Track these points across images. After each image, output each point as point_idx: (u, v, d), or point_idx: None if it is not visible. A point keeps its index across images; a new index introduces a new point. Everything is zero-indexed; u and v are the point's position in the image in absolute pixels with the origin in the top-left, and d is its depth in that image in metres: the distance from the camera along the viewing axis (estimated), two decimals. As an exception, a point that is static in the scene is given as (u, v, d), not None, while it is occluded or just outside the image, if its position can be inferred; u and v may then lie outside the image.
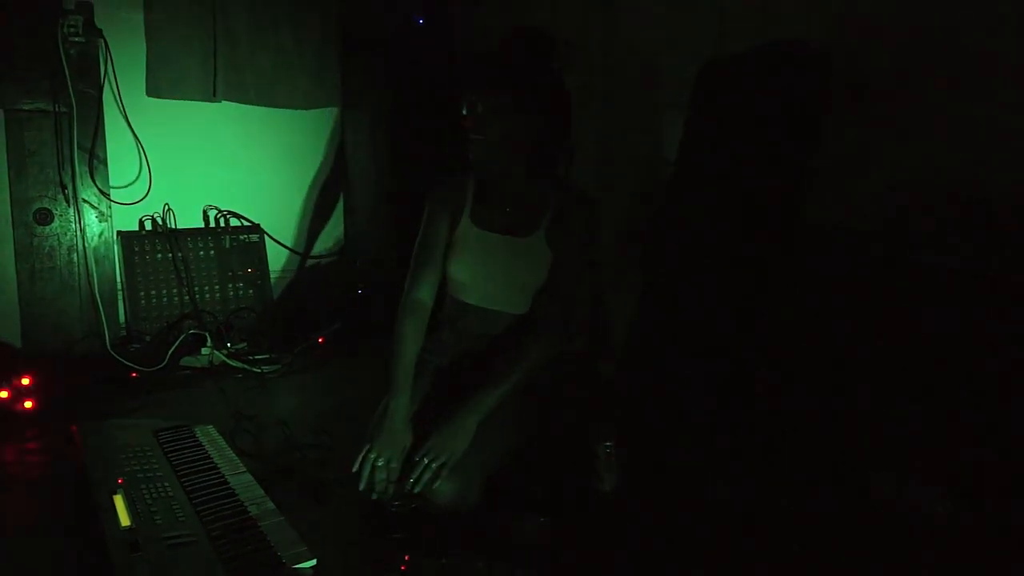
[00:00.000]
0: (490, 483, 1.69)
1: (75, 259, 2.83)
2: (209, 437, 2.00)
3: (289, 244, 3.44)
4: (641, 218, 2.99)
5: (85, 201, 2.83)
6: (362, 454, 1.70)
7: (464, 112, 1.84)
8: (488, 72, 1.85)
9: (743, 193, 2.29)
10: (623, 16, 3.06)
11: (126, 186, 3.01)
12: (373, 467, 1.67)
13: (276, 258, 3.38)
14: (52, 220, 2.78)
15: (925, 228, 2.10)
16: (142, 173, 3.02)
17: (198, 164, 3.21)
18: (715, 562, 1.58)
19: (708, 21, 2.73)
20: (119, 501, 1.59)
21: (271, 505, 1.61)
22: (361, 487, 1.67)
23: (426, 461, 1.64)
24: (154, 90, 3.04)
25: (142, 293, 3.03)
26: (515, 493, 1.69)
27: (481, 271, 1.90)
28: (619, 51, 3.09)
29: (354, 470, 1.69)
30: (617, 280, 3.16)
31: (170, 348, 2.82)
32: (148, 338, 2.95)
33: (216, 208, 3.27)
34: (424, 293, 1.92)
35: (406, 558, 1.50)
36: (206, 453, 1.89)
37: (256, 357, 2.91)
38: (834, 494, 1.88)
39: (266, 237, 3.34)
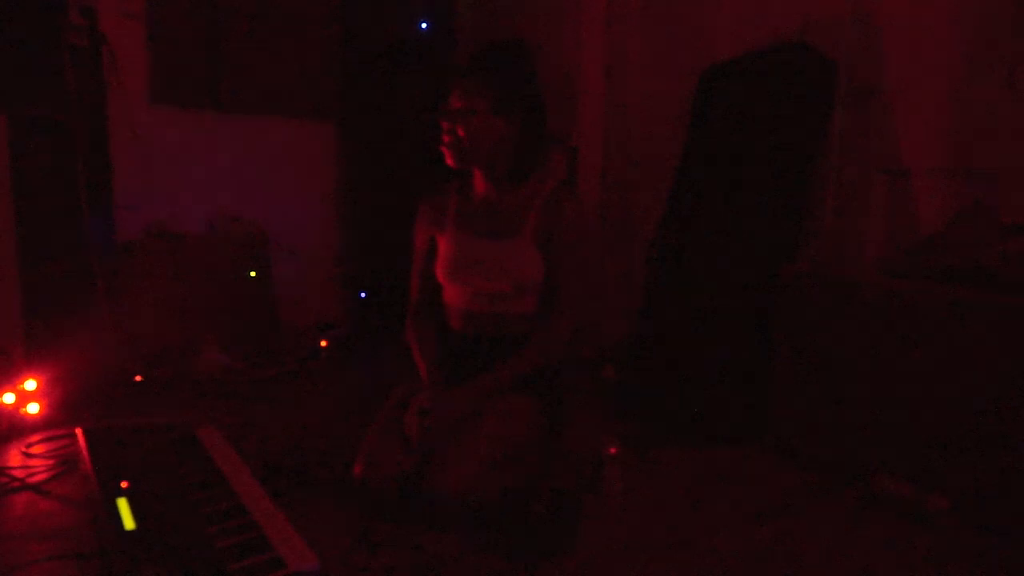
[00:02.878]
0: (492, 486, 1.69)
1: (79, 263, 2.84)
2: (212, 440, 2.00)
3: (292, 248, 3.44)
4: (644, 222, 3.00)
5: (89, 206, 2.84)
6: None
7: (441, 112, 1.90)
8: (464, 74, 1.91)
9: (746, 197, 2.29)
10: (626, 26, 3.07)
11: (129, 191, 3.02)
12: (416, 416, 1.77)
13: (279, 262, 3.38)
14: (56, 225, 2.79)
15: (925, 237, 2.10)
16: (145, 178, 3.03)
17: (201, 169, 3.22)
18: (718, 561, 1.58)
19: (711, 27, 2.74)
20: (123, 504, 1.59)
21: (274, 508, 1.62)
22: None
23: (422, 421, 1.75)
24: (157, 95, 3.05)
25: (145, 297, 3.03)
26: (517, 496, 1.69)
27: (470, 277, 1.92)
28: (621, 57, 3.10)
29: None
30: (620, 284, 3.16)
31: (175, 352, 2.83)
32: (151, 342, 2.96)
33: (219, 213, 3.28)
34: (420, 303, 2.04)
35: (409, 561, 1.50)
36: (209, 456, 1.89)
37: (259, 361, 2.91)
38: (839, 493, 1.89)
39: (269, 242, 3.35)
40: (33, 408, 2.30)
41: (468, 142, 1.87)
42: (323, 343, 3.10)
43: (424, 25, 3.25)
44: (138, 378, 2.73)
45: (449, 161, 1.92)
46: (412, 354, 1.99)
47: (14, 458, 2.06)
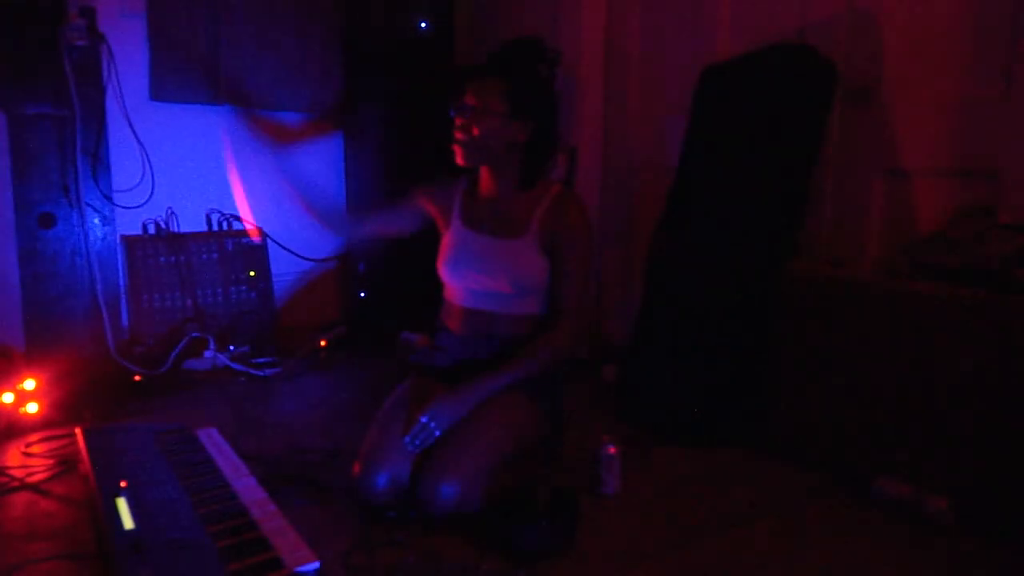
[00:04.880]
0: (491, 486, 1.70)
1: (78, 263, 2.84)
2: (212, 440, 2.00)
3: (291, 247, 3.44)
4: (643, 222, 3.00)
5: (88, 205, 2.84)
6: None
7: (453, 109, 1.89)
8: (483, 72, 1.90)
9: (746, 197, 2.29)
10: (625, 25, 3.07)
11: (129, 190, 3.01)
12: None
13: (278, 261, 3.38)
14: (55, 224, 2.79)
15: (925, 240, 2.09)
16: (145, 177, 3.03)
17: (201, 168, 3.22)
18: (717, 562, 1.58)
19: (710, 27, 2.74)
20: (122, 504, 1.59)
21: (273, 508, 1.62)
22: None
23: (423, 421, 1.74)
24: (157, 94, 3.05)
25: (145, 297, 3.03)
26: (517, 496, 1.69)
27: (471, 272, 1.93)
28: (621, 57, 3.10)
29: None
30: (620, 283, 3.16)
31: (173, 351, 2.83)
32: (151, 341, 2.96)
33: (219, 211, 3.28)
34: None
35: (409, 561, 1.50)
36: (209, 456, 1.89)
37: (258, 360, 2.91)
38: (839, 493, 1.89)
39: (268, 240, 3.35)
40: (32, 408, 2.30)
41: (481, 141, 1.86)
42: (323, 343, 3.10)
43: (423, 24, 3.25)
44: (138, 378, 2.73)
45: (458, 159, 1.91)
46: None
47: (13, 458, 2.06)
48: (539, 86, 1.91)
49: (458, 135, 1.89)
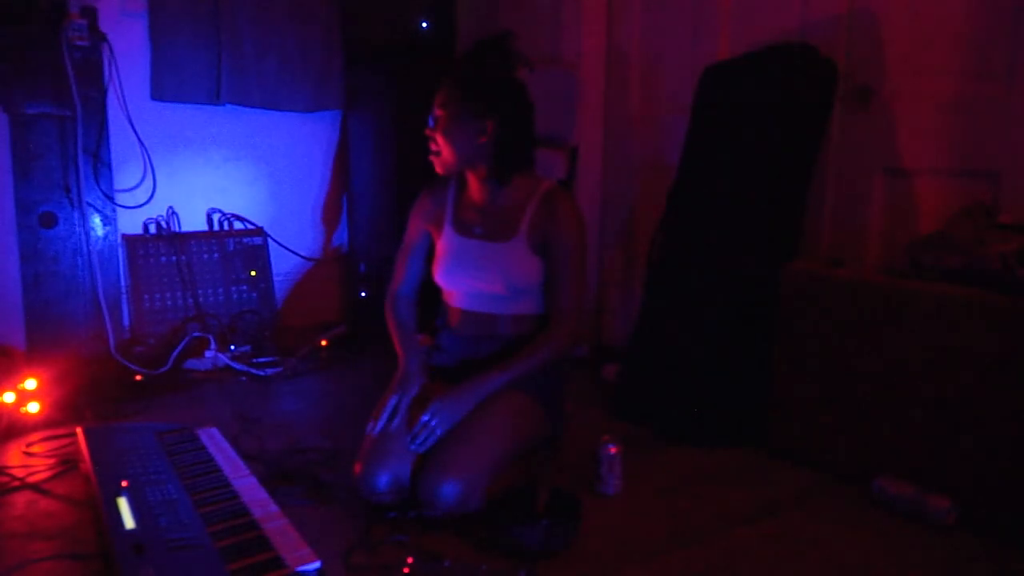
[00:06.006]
0: (492, 486, 1.70)
1: (79, 262, 2.84)
2: (213, 440, 2.01)
3: (292, 247, 3.44)
4: (644, 222, 3.00)
5: (89, 204, 2.85)
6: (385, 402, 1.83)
7: (426, 123, 1.91)
8: (441, 82, 1.91)
9: (746, 196, 2.29)
10: (627, 25, 3.07)
11: (130, 189, 3.02)
12: (393, 410, 1.82)
13: (279, 261, 3.39)
14: (57, 223, 2.79)
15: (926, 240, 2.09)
16: (146, 176, 3.04)
17: (202, 167, 3.23)
18: (717, 561, 1.58)
19: (711, 27, 2.74)
20: (123, 504, 1.59)
21: (275, 508, 1.62)
22: (377, 430, 1.79)
23: (424, 419, 1.75)
24: (159, 93, 3.05)
25: (146, 296, 3.04)
26: (517, 496, 1.69)
27: (465, 278, 1.93)
28: (621, 57, 3.10)
29: (378, 426, 1.80)
30: (620, 283, 3.16)
31: (174, 351, 2.84)
32: (152, 341, 2.96)
33: (220, 211, 3.28)
34: (402, 288, 2.07)
35: (409, 561, 1.50)
36: (209, 456, 1.90)
37: (259, 360, 2.92)
38: (839, 493, 1.89)
39: (269, 240, 3.35)
40: (33, 407, 2.30)
41: (446, 149, 1.87)
42: (323, 343, 3.10)
43: (424, 24, 3.26)
44: (139, 378, 2.74)
45: (437, 170, 1.92)
46: (391, 334, 2.01)
47: (14, 457, 2.06)
48: (493, 79, 1.89)
49: (431, 146, 1.90)
